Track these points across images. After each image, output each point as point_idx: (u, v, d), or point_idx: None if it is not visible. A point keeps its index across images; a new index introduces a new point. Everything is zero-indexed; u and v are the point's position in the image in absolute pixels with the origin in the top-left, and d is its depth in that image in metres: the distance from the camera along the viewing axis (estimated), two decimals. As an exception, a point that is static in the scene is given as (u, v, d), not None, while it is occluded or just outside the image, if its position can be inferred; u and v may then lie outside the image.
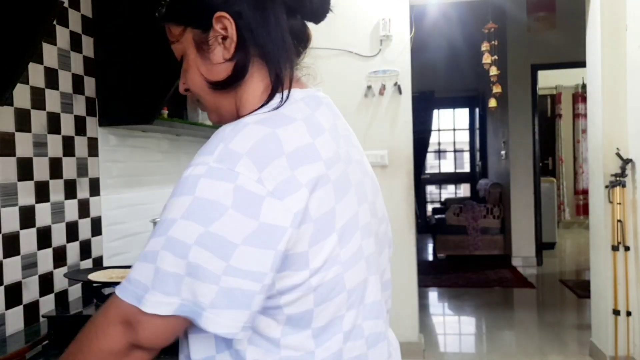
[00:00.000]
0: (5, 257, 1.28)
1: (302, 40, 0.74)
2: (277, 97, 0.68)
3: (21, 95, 1.34)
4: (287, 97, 0.68)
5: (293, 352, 0.64)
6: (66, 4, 1.52)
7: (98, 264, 1.64)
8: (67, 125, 1.52)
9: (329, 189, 0.64)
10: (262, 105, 0.68)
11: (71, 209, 1.53)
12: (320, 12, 0.73)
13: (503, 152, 5.92)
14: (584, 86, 7.08)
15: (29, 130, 1.37)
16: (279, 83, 0.69)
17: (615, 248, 2.88)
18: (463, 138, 8.52)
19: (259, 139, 0.61)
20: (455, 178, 8.89)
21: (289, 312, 0.63)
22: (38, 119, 1.40)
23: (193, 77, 0.73)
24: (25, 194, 1.35)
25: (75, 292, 1.53)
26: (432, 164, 9.09)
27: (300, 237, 0.61)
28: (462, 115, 8.42)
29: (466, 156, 8.66)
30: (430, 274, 5.28)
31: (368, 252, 0.70)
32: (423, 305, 4.24)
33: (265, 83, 0.70)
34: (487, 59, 4.45)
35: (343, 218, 0.65)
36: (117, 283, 1.28)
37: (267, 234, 0.59)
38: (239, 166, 0.59)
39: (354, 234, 0.67)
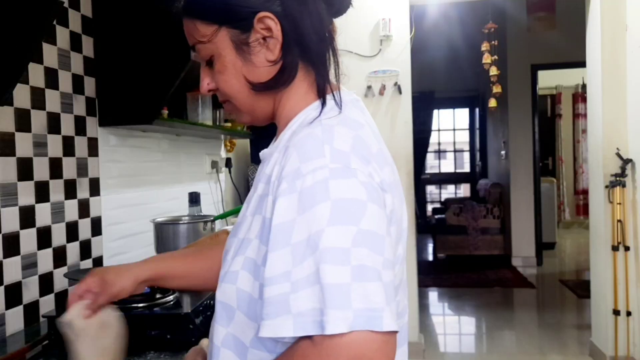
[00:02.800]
0: (5, 257, 1.28)
1: (332, 36, 0.71)
2: (329, 98, 0.66)
3: (21, 95, 1.34)
4: (341, 99, 0.66)
5: None
6: (66, 4, 1.52)
7: (98, 264, 1.64)
8: (67, 125, 1.52)
9: (398, 193, 0.66)
10: (322, 106, 0.65)
11: (71, 209, 1.53)
12: (344, 6, 0.71)
13: (503, 152, 5.92)
14: (584, 86, 7.08)
15: (29, 130, 1.37)
16: (325, 83, 0.66)
17: (615, 248, 2.88)
18: (463, 138, 8.52)
19: (353, 139, 0.61)
20: (455, 178, 8.89)
21: None
22: (38, 119, 1.40)
23: (229, 79, 0.68)
24: (26, 194, 1.35)
25: (75, 292, 1.53)
26: (432, 164, 9.09)
27: (392, 236, 0.61)
28: (462, 115, 8.42)
29: (466, 156, 8.66)
30: (430, 274, 5.28)
31: (405, 255, 0.72)
32: (423, 305, 4.24)
33: (308, 83, 0.68)
34: (487, 59, 4.45)
35: (406, 221, 0.68)
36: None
37: (389, 224, 0.59)
38: (353, 163, 0.58)
39: (403, 236, 0.69)
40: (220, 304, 0.65)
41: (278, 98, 0.69)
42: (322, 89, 0.67)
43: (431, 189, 8.98)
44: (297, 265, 0.55)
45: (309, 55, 0.67)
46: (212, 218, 1.84)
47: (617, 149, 2.91)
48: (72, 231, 1.53)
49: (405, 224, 0.69)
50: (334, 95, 0.66)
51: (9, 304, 1.29)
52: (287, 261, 0.55)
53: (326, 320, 0.52)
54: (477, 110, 7.75)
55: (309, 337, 0.54)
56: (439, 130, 8.46)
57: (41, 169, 1.41)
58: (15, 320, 1.30)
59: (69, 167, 1.52)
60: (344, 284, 0.53)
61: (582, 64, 3.31)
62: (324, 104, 0.66)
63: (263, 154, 0.71)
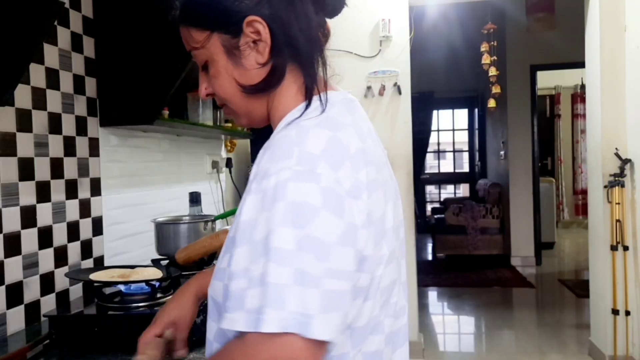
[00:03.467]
0: (6, 256, 1.28)
1: (326, 36, 0.72)
2: (315, 99, 0.67)
3: (22, 96, 1.34)
4: (327, 99, 0.67)
5: (331, 353, 0.62)
6: (67, 5, 1.52)
7: (99, 264, 1.65)
8: (68, 126, 1.53)
9: (380, 193, 0.65)
10: (307, 107, 0.67)
11: (72, 209, 1.53)
12: (338, 6, 0.72)
13: (502, 152, 5.93)
14: (583, 86, 7.09)
15: (30, 131, 1.37)
16: (313, 84, 0.68)
17: (614, 248, 2.89)
18: (462, 138, 8.52)
19: (326, 142, 0.61)
20: (454, 178, 8.90)
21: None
22: (39, 119, 1.40)
23: (223, 83, 0.70)
24: (27, 193, 1.35)
25: (76, 291, 1.53)
26: (431, 164, 9.10)
27: (368, 239, 0.61)
28: (461, 116, 8.43)
29: (465, 156, 8.67)
30: (429, 274, 5.29)
31: (398, 254, 0.72)
32: (423, 305, 4.25)
33: (298, 84, 0.69)
34: (486, 59, 4.46)
35: (390, 220, 0.67)
36: (118, 283, 1.28)
37: (351, 233, 0.59)
38: (319, 167, 0.58)
39: (391, 237, 0.68)
40: (211, 299, 0.68)
41: (271, 100, 0.71)
42: (310, 90, 0.68)
43: (430, 189, 8.99)
44: (254, 262, 0.57)
45: (298, 56, 0.68)
46: (212, 218, 1.84)
47: (616, 149, 2.91)
48: (73, 231, 1.54)
49: (390, 223, 0.68)
50: (320, 96, 0.67)
51: (10, 304, 1.29)
52: (247, 257, 0.58)
53: (263, 318, 0.54)
54: (476, 110, 7.76)
55: (241, 333, 0.56)
56: (438, 130, 8.47)
57: (42, 169, 1.41)
58: (16, 319, 1.31)
59: (70, 167, 1.53)
60: (283, 285, 0.54)
61: (581, 64, 3.31)
62: (308, 104, 0.67)
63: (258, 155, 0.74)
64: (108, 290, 1.33)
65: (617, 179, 2.87)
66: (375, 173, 0.65)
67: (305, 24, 0.67)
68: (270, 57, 0.67)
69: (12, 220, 1.30)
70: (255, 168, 0.63)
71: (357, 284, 0.61)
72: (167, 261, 1.60)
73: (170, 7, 0.72)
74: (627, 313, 2.87)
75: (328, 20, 0.74)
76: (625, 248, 2.87)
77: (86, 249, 1.60)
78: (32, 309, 1.36)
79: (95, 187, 1.65)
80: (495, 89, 4.63)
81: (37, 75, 1.40)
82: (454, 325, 4.10)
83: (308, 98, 0.67)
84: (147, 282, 1.29)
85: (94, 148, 1.64)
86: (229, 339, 0.64)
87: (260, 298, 0.55)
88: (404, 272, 0.78)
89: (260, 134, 2.64)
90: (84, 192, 1.59)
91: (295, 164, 0.58)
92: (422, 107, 7.20)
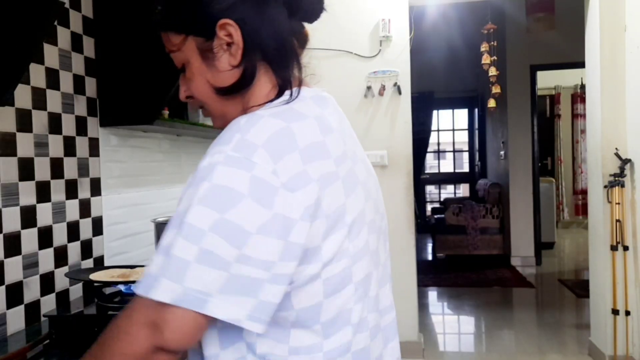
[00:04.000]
0: (6, 256, 1.28)
1: (302, 41, 0.74)
2: (286, 94, 0.69)
3: (22, 96, 1.34)
4: (298, 94, 0.69)
5: (301, 344, 0.65)
6: (67, 5, 1.52)
7: (99, 264, 1.65)
8: (68, 126, 1.53)
9: (338, 186, 0.66)
10: (272, 101, 0.69)
11: (72, 209, 1.53)
12: (316, 11, 0.74)
13: (502, 152, 5.93)
14: (582, 87, 7.09)
15: (30, 131, 1.37)
16: (286, 84, 0.70)
17: (614, 248, 2.89)
18: (462, 138, 8.53)
19: (274, 132, 0.62)
20: (454, 178, 8.90)
21: (299, 306, 0.63)
22: (39, 119, 1.40)
23: (198, 85, 0.72)
24: (27, 194, 1.35)
25: (76, 291, 1.53)
26: (431, 164, 9.10)
27: (315, 232, 0.62)
28: (461, 116, 8.43)
29: (465, 156, 8.67)
30: (429, 274, 5.29)
31: (373, 247, 0.72)
32: (422, 305, 4.25)
33: (269, 86, 0.71)
34: (486, 59, 4.46)
35: (352, 213, 0.67)
36: (118, 282, 1.28)
37: (279, 225, 0.59)
38: (256, 156, 0.60)
39: (361, 229, 0.69)
40: None
41: (245, 100, 0.72)
42: (282, 88, 0.70)
43: (430, 189, 8.99)
44: (167, 231, 0.60)
45: (268, 58, 0.70)
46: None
47: (616, 149, 2.91)
48: (73, 231, 1.54)
49: (349, 217, 0.67)
50: (291, 92, 0.69)
51: (10, 304, 1.29)
52: (168, 227, 0.61)
53: (155, 285, 0.57)
54: (476, 110, 7.76)
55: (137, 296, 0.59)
56: (438, 130, 8.47)
57: (42, 169, 1.41)
58: (16, 319, 1.31)
59: (70, 167, 1.53)
60: (185, 260, 0.57)
61: (581, 64, 3.31)
62: (276, 98, 0.69)
63: None
64: (108, 290, 1.33)
65: (617, 179, 2.87)
66: (333, 166, 0.65)
67: (275, 27, 0.69)
68: (242, 59, 0.69)
69: (12, 220, 1.30)
70: None
71: (298, 276, 0.62)
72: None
73: (151, 12, 0.74)
74: (627, 313, 2.87)
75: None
76: (625, 248, 2.87)
77: (86, 249, 1.60)
78: (32, 309, 1.36)
79: (95, 187, 1.65)
80: (495, 89, 4.63)
81: (37, 75, 1.40)
82: (454, 325, 4.10)
83: (279, 94, 0.70)
84: (147, 282, 1.28)
85: (94, 148, 1.64)
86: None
87: (161, 267, 0.58)
88: (388, 270, 0.79)
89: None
90: (84, 192, 1.59)
91: (231, 149, 0.60)
92: (422, 107, 7.20)
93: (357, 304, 0.68)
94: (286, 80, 0.70)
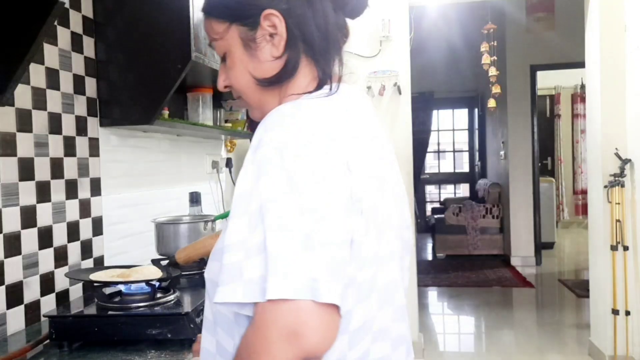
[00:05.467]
0: (6, 256, 1.28)
1: (345, 37, 0.73)
2: (326, 88, 0.68)
3: (22, 96, 1.34)
4: (337, 89, 0.68)
5: (330, 355, 0.59)
6: (67, 5, 1.52)
7: (99, 264, 1.65)
8: (68, 126, 1.53)
9: (375, 184, 0.65)
10: (312, 92, 0.68)
11: (72, 209, 1.53)
12: (361, 7, 0.73)
13: (502, 152, 5.93)
14: (582, 86, 7.09)
15: (30, 131, 1.37)
16: (326, 77, 0.69)
17: (614, 248, 2.89)
18: (462, 138, 8.52)
19: (322, 116, 0.62)
20: (454, 178, 8.90)
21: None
22: (39, 119, 1.40)
23: (238, 74, 0.72)
24: (27, 194, 1.35)
25: (76, 291, 1.53)
26: (431, 164, 9.10)
27: (358, 225, 0.60)
28: (461, 116, 8.43)
29: (465, 156, 8.67)
30: (429, 274, 5.29)
31: (399, 255, 0.71)
32: (422, 305, 4.25)
33: (311, 77, 0.70)
34: (486, 59, 4.46)
35: (382, 216, 0.66)
36: (118, 282, 1.28)
37: (347, 205, 0.58)
38: (314, 137, 0.59)
39: (389, 235, 0.67)
40: (208, 281, 0.67)
41: (283, 93, 0.71)
42: (322, 82, 0.69)
43: (430, 189, 8.99)
44: (251, 232, 0.56)
45: (312, 52, 0.69)
46: (212, 218, 1.84)
47: (616, 149, 2.91)
48: (73, 231, 1.54)
49: (387, 219, 0.66)
50: (330, 85, 0.69)
51: (10, 304, 1.29)
52: (244, 229, 0.57)
53: (268, 287, 0.53)
54: (476, 110, 7.76)
55: (240, 304, 0.56)
56: (438, 130, 8.47)
57: (42, 169, 1.41)
58: (16, 319, 1.31)
59: (70, 167, 1.53)
60: (288, 252, 0.54)
61: (581, 64, 3.31)
62: (317, 89, 0.68)
63: None
64: (108, 290, 1.33)
65: (617, 179, 2.87)
66: (370, 163, 0.65)
67: (322, 20, 0.68)
68: (284, 51, 0.68)
69: (12, 220, 1.30)
70: (252, 140, 0.63)
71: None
72: (167, 261, 1.60)
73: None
74: (627, 313, 2.87)
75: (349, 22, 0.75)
76: (625, 248, 2.87)
77: (86, 249, 1.60)
78: (32, 309, 1.36)
79: (95, 187, 1.65)
80: (495, 89, 4.64)
81: (37, 75, 1.40)
82: (454, 325, 4.10)
83: (319, 86, 0.69)
84: (147, 282, 1.29)
85: (94, 148, 1.64)
86: (232, 321, 0.63)
87: (261, 267, 0.54)
88: (407, 277, 0.76)
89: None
90: (84, 192, 1.59)
91: (289, 133, 0.59)
92: (422, 107, 7.20)
93: (379, 311, 0.65)
94: (327, 74, 0.69)
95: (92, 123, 1.64)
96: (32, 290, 1.36)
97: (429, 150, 8.07)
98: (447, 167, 8.97)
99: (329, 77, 0.69)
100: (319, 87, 0.69)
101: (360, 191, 0.61)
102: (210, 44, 0.75)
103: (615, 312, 2.89)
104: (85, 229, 1.60)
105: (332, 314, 0.54)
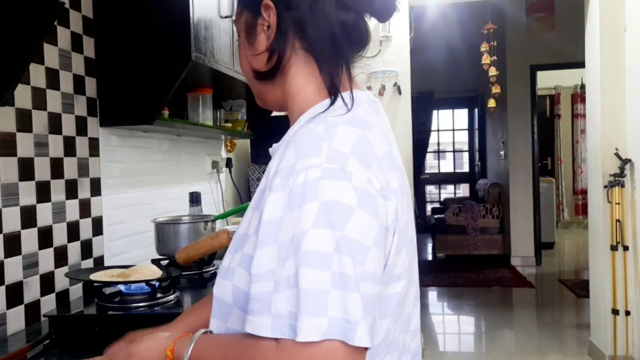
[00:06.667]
0: (6, 256, 1.28)
1: (358, 38, 0.69)
2: (346, 98, 0.65)
3: (22, 96, 1.34)
4: (352, 99, 0.65)
5: None
6: (67, 5, 1.52)
7: (99, 264, 1.65)
8: (68, 126, 1.53)
9: (405, 200, 0.63)
10: (332, 104, 0.64)
11: (72, 209, 1.53)
12: (385, 9, 0.69)
13: (502, 152, 5.93)
14: (582, 86, 7.09)
15: (30, 131, 1.37)
16: (333, 82, 0.65)
17: (614, 248, 2.89)
18: (462, 138, 8.53)
19: (355, 140, 0.59)
20: (454, 178, 8.90)
21: None
22: (39, 119, 1.40)
23: (242, 59, 0.74)
24: (27, 194, 1.35)
25: (76, 291, 1.53)
26: (431, 164, 9.10)
27: (392, 246, 0.59)
28: (461, 116, 8.43)
29: (465, 156, 8.67)
30: (429, 274, 5.29)
31: (409, 265, 0.69)
32: (423, 305, 4.25)
33: (315, 79, 0.68)
34: (486, 59, 4.46)
35: (411, 230, 0.65)
36: (118, 282, 1.28)
37: (383, 235, 0.56)
38: (350, 165, 0.56)
39: (410, 247, 0.67)
40: (217, 299, 0.66)
41: (287, 91, 0.70)
42: (333, 87, 0.66)
43: (430, 189, 8.99)
44: (281, 264, 0.54)
45: (313, 50, 0.67)
46: (212, 218, 1.84)
47: (616, 149, 2.91)
48: (73, 231, 1.54)
49: (410, 233, 0.66)
50: (342, 97, 0.65)
51: (10, 304, 1.29)
52: (273, 259, 0.55)
53: (299, 326, 0.51)
54: (476, 110, 7.76)
55: (275, 339, 0.53)
56: (438, 130, 8.47)
57: (42, 169, 1.41)
58: (16, 319, 1.31)
59: (70, 167, 1.53)
60: (321, 290, 0.52)
61: (581, 64, 3.31)
62: (334, 101, 0.65)
63: (272, 149, 0.71)
64: (108, 290, 1.33)
65: (617, 179, 2.87)
66: (401, 179, 0.64)
67: (322, 18, 0.65)
68: (272, 44, 0.68)
69: (12, 220, 1.30)
70: (277, 163, 0.60)
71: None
72: (167, 261, 1.60)
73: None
74: (627, 313, 2.87)
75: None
76: (625, 248, 2.87)
77: (86, 249, 1.60)
78: (32, 309, 1.36)
79: (95, 187, 1.65)
80: (495, 89, 4.64)
81: (37, 75, 1.40)
82: (454, 325, 4.10)
83: (333, 94, 0.65)
84: (147, 282, 1.29)
85: (94, 148, 1.64)
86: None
87: (291, 303, 0.53)
88: (418, 291, 0.74)
89: (260, 134, 2.64)
90: (84, 192, 1.59)
91: (325, 161, 0.56)
92: (422, 107, 7.20)
93: (394, 324, 0.64)
94: (333, 76, 0.66)
95: (92, 123, 1.64)
96: (32, 290, 1.36)
97: (429, 150, 8.07)
98: (447, 167, 8.97)
99: (335, 81, 0.66)
100: (332, 91, 0.65)
101: (395, 212, 0.59)
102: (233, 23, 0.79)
103: (615, 312, 2.89)
104: (85, 229, 1.60)
105: (360, 355, 0.53)
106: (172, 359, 0.67)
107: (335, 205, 0.53)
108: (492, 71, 4.50)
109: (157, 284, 1.31)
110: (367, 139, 0.60)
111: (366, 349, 0.53)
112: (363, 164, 0.57)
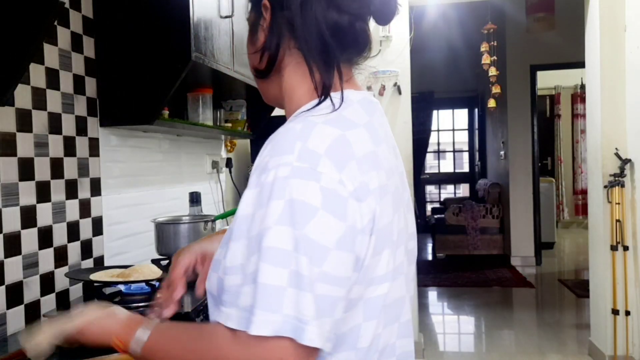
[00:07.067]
0: (6, 256, 1.28)
1: (353, 40, 0.68)
2: (335, 97, 0.65)
3: (22, 96, 1.34)
4: (342, 99, 0.65)
5: None
6: (67, 5, 1.52)
7: (99, 264, 1.65)
8: (68, 126, 1.53)
9: (389, 200, 0.63)
10: (319, 103, 0.65)
11: (72, 209, 1.53)
12: (384, 11, 0.69)
13: (502, 152, 5.93)
14: (582, 86, 7.09)
15: (30, 131, 1.37)
16: (322, 82, 0.65)
17: (614, 248, 2.89)
18: (462, 138, 8.52)
19: (332, 140, 0.59)
20: (454, 178, 8.90)
21: (340, 328, 0.59)
22: (39, 119, 1.40)
23: (248, 53, 0.75)
24: (27, 194, 1.35)
25: (76, 291, 1.53)
26: (431, 164, 9.10)
27: (369, 247, 0.59)
28: (461, 116, 8.43)
29: (465, 156, 8.67)
30: (429, 274, 5.29)
31: (407, 269, 0.69)
32: (423, 305, 4.25)
33: (308, 79, 0.68)
34: (486, 59, 4.46)
35: (396, 232, 0.65)
36: (118, 282, 1.28)
37: (351, 237, 0.57)
38: (321, 166, 0.57)
39: (399, 249, 0.66)
40: (208, 292, 0.67)
41: (283, 86, 0.71)
42: (324, 86, 0.66)
43: (430, 189, 8.99)
44: (248, 259, 0.56)
45: (305, 51, 0.67)
46: (212, 218, 1.84)
47: (616, 149, 2.91)
48: (73, 231, 1.54)
49: (397, 235, 0.65)
50: (330, 97, 0.65)
51: (10, 304, 1.29)
52: (244, 253, 0.57)
53: (254, 320, 0.53)
54: (476, 110, 7.76)
55: (231, 329, 0.56)
56: (438, 130, 8.47)
57: (42, 169, 1.41)
58: (16, 319, 1.31)
59: (70, 167, 1.53)
60: (278, 287, 0.53)
61: (581, 64, 3.31)
62: (322, 100, 0.65)
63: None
64: (108, 290, 1.33)
65: (617, 179, 2.87)
66: (385, 179, 0.63)
67: (310, 17, 0.65)
68: (265, 42, 0.70)
69: (12, 220, 1.30)
70: (258, 160, 0.61)
71: (350, 293, 0.58)
72: (167, 261, 1.60)
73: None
74: (627, 313, 2.87)
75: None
76: (625, 248, 2.87)
77: (86, 249, 1.60)
78: (32, 309, 1.36)
79: (95, 187, 1.65)
80: (495, 89, 4.64)
81: (37, 75, 1.40)
82: (454, 325, 4.10)
83: (323, 94, 0.65)
84: (147, 282, 1.29)
85: (94, 148, 1.64)
86: None
87: (251, 297, 0.54)
88: (412, 287, 0.74)
89: (260, 134, 2.64)
90: (84, 192, 1.59)
91: (296, 159, 0.57)
92: (422, 107, 7.20)
93: (385, 328, 0.65)
94: (323, 76, 0.66)
95: (92, 123, 1.64)
96: (32, 290, 1.36)
97: (429, 150, 8.07)
98: (447, 167, 8.97)
99: (326, 79, 0.66)
100: (322, 91, 0.66)
101: (372, 213, 0.59)
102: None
103: (615, 312, 2.89)
104: (85, 229, 1.60)
105: (310, 355, 0.55)
106: (122, 350, 0.67)
107: (300, 204, 0.55)
108: (492, 71, 4.50)
109: (157, 284, 1.31)
110: (347, 140, 0.60)
111: (318, 349, 0.55)
112: (336, 165, 0.57)
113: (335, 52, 0.66)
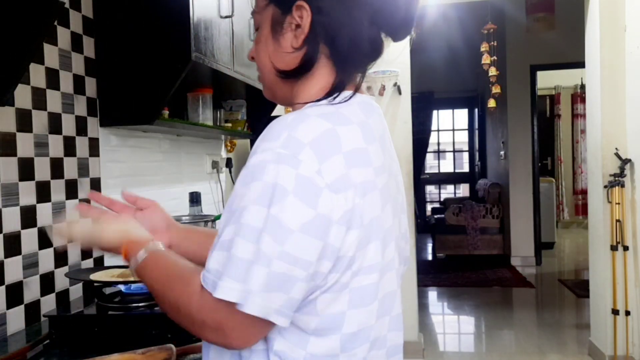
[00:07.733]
0: (6, 256, 1.28)
1: (377, 51, 0.73)
2: (340, 96, 0.69)
3: (22, 96, 1.34)
4: (349, 98, 0.69)
5: (318, 352, 0.65)
6: (67, 5, 1.52)
7: (99, 264, 1.65)
8: (68, 126, 1.53)
9: (376, 196, 0.65)
10: (321, 99, 0.69)
11: (72, 209, 1.53)
12: (402, 30, 0.72)
13: (502, 152, 5.93)
14: (583, 86, 7.09)
15: (30, 131, 1.37)
16: (342, 85, 0.70)
17: (614, 248, 2.89)
18: (462, 138, 8.53)
19: (321, 132, 0.62)
20: (454, 178, 8.90)
21: (323, 312, 0.64)
22: (39, 119, 1.40)
23: (260, 51, 0.75)
24: (27, 193, 1.35)
25: (76, 291, 1.53)
26: (431, 164, 9.10)
27: (350, 241, 0.62)
28: (461, 116, 8.43)
29: (465, 156, 8.67)
30: (429, 274, 5.29)
31: (398, 265, 0.72)
32: (422, 305, 4.25)
33: (326, 81, 0.71)
34: (486, 59, 4.46)
35: (384, 227, 0.67)
36: (118, 282, 1.28)
37: (321, 225, 0.60)
38: (302, 154, 0.60)
39: (389, 244, 0.69)
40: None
41: (296, 87, 0.72)
42: (337, 88, 0.69)
43: (430, 189, 8.99)
44: (225, 228, 0.62)
45: (337, 56, 0.70)
46: (212, 218, 1.84)
47: (616, 149, 2.91)
48: (73, 231, 1.53)
49: (382, 231, 0.67)
50: (338, 95, 0.69)
51: (10, 304, 1.29)
52: (227, 219, 0.63)
53: (220, 284, 0.60)
54: (476, 110, 7.76)
55: (202, 287, 0.63)
56: (438, 130, 8.47)
57: (42, 169, 1.41)
58: (16, 319, 1.31)
59: (70, 167, 1.53)
60: (247, 260, 0.59)
61: (581, 64, 3.31)
62: (326, 97, 0.69)
63: None
64: (108, 290, 1.33)
65: (617, 179, 2.87)
66: (373, 176, 0.65)
67: (355, 30, 0.68)
68: (302, 45, 0.70)
69: (12, 220, 1.30)
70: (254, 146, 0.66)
71: (326, 281, 0.62)
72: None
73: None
74: (627, 313, 2.87)
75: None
76: (625, 248, 2.87)
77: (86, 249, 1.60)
78: (32, 309, 1.36)
79: (96, 187, 1.65)
80: (495, 89, 4.64)
81: (37, 75, 1.40)
82: (454, 325, 4.10)
83: (330, 93, 0.69)
84: (147, 282, 1.28)
85: (94, 148, 1.64)
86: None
87: (222, 264, 0.61)
88: (400, 284, 0.77)
89: (260, 134, 2.64)
90: (84, 192, 1.59)
91: (279, 146, 0.61)
92: (422, 107, 7.20)
93: (378, 320, 0.68)
94: (343, 81, 0.70)
95: (92, 123, 1.64)
96: (32, 290, 1.36)
97: (429, 150, 8.07)
98: (447, 167, 8.97)
99: (344, 85, 0.70)
100: (332, 91, 0.69)
101: (352, 206, 0.62)
102: (251, 13, 0.79)
103: (615, 312, 2.89)
104: (85, 229, 1.59)
105: (254, 323, 0.61)
106: (124, 257, 0.78)
107: (275, 187, 0.59)
108: (492, 71, 4.50)
109: (157, 284, 1.30)
110: (336, 133, 0.63)
111: (269, 322, 0.61)
112: (319, 155, 0.61)
113: (364, 63, 0.72)
